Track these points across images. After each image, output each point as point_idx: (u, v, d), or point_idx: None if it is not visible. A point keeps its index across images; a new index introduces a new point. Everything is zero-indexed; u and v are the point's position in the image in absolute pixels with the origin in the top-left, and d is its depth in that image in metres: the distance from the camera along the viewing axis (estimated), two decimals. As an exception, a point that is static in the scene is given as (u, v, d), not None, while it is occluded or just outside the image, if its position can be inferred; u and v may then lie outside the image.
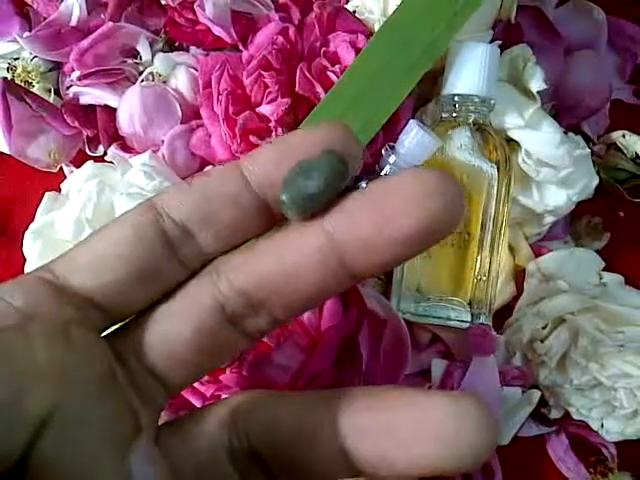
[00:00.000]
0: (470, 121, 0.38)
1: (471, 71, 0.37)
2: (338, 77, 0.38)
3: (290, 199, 0.18)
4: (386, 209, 0.16)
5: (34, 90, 0.42)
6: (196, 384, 0.35)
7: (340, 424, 0.18)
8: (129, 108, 0.40)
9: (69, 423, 0.14)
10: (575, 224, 0.44)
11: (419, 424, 0.17)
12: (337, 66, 0.38)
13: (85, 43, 0.41)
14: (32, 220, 0.39)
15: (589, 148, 0.40)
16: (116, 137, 0.42)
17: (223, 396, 0.36)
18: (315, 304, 0.19)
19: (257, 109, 0.39)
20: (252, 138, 0.38)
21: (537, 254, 0.42)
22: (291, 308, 0.19)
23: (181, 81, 0.41)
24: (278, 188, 0.18)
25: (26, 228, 0.39)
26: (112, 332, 0.19)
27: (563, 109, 0.42)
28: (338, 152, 0.18)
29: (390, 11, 0.38)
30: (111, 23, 0.41)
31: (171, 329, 0.19)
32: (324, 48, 0.39)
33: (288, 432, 0.18)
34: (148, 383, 0.19)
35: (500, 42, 0.39)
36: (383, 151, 0.34)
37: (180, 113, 0.41)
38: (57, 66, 0.43)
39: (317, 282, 0.18)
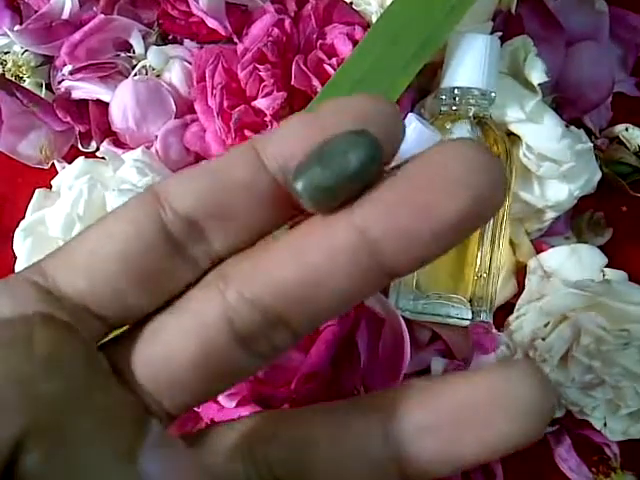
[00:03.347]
0: (470, 114, 0.37)
1: (471, 63, 0.37)
2: (335, 70, 0.37)
3: (303, 189, 0.15)
4: (427, 194, 0.14)
5: (25, 85, 0.41)
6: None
7: (391, 432, 0.16)
8: (122, 103, 0.40)
9: (50, 442, 0.12)
10: (577, 219, 0.43)
11: (491, 402, 0.15)
12: (334, 59, 0.37)
13: (77, 36, 0.40)
14: (23, 217, 0.38)
15: (591, 142, 0.40)
16: (109, 132, 0.41)
17: (219, 397, 0.35)
18: (343, 311, 0.16)
19: (252, 103, 0.38)
20: (247, 133, 0.37)
21: (538, 250, 0.41)
22: (314, 319, 0.16)
23: (175, 75, 0.40)
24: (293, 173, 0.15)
25: (17, 225, 0.38)
26: (113, 339, 0.17)
27: (565, 102, 0.41)
28: (371, 134, 0.14)
29: (388, 2, 0.37)
30: (103, 16, 0.40)
31: (173, 345, 0.16)
32: (320, 40, 0.38)
33: (321, 453, 0.17)
34: (147, 402, 0.16)
35: (500, 33, 0.38)
36: (381, 145, 0.33)
37: (174, 107, 0.40)
38: (48, 60, 0.42)
39: (347, 286, 0.15)
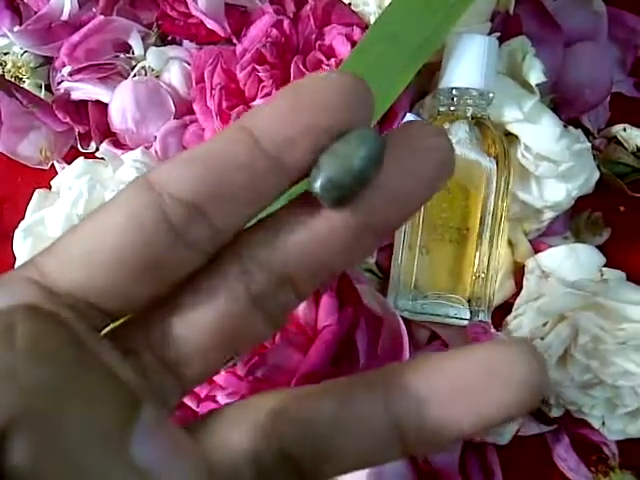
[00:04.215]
0: (468, 115, 0.37)
1: (469, 64, 0.37)
2: (333, 71, 0.37)
3: (322, 188, 0.16)
4: (406, 158, 0.17)
5: (25, 86, 0.42)
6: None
7: (390, 403, 0.17)
8: (121, 103, 0.40)
9: (37, 430, 0.12)
10: (575, 219, 0.43)
11: (487, 372, 0.16)
12: (332, 59, 0.38)
13: (76, 37, 0.40)
14: (23, 218, 0.39)
15: (589, 142, 0.40)
16: (108, 133, 0.41)
17: (218, 397, 0.35)
18: (341, 270, 0.18)
19: (251, 104, 0.38)
20: (246, 133, 0.38)
21: (537, 250, 0.41)
22: (318, 279, 0.18)
23: (174, 76, 0.41)
24: (294, 143, 0.16)
25: (17, 226, 0.38)
26: (123, 325, 0.18)
27: (563, 102, 0.41)
28: (375, 130, 0.17)
29: (386, 3, 0.37)
30: (102, 17, 0.40)
31: (194, 316, 0.17)
32: (319, 41, 0.38)
33: (329, 426, 0.17)
34: (162, 379, 0.17)
35: (499, 34, 0.38)
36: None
37: (173, 108, 0.40)
38: (48, 61, 0.42)
39: (345, 249, 0.17)
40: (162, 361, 0.17)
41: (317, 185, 0.16)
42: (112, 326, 0.18)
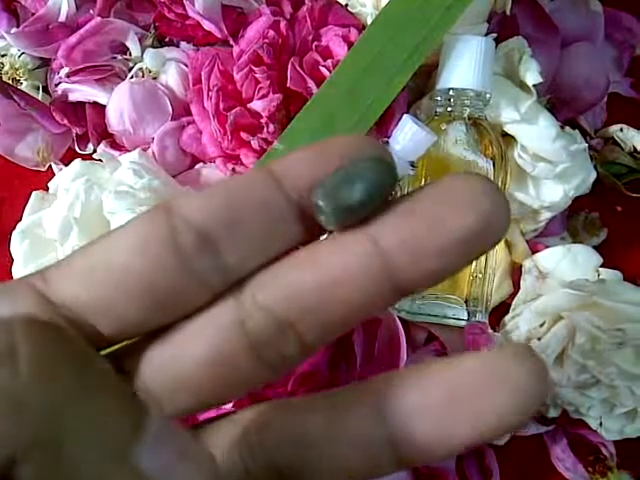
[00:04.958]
0: (465, 116, 0.37)
1: (466, 65, 0.37)
2: (330, 72, 0.37)
3: (328, 205, 0.15)
4: (436, 210, 0.15)
5: (22, 87, 0.41)
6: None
7: (385, 415, 0.16)
8: (118, 105, 0.40)
9: (44, 452, 0.12)
10: (572, 220, 0.43)
11: (486, 381, 0.16)
12: (329, 60, 0.38)
13: (73, 39, 0.40)
14: (20, 220, 0.38)
15: (586, 142, 0.40)
16: (106, 135, 0.41)
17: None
18: (351, 325, 0.16)
19: (248, 105, 0.38)
20: (243, 135, 0.38)
21: (534, 250, 0.41)
22: (325, 330, 0.16)
23: (171, 77, 0.41)
24: (314, 190, 0.16)
25: (14, 228, 0.38)
26: (120, 347, 0.17)
27: (559, 103, 0.41)
28: (388, 160, 0.16)
29: (383, 4, 0.37)
30: (100, 19, 0.40)
31: (183, 349, 0.16)
32: (316, 42, 0.38)
33: (318, 440, 0.17)
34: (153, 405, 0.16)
35: (495, 35, 0.38)
36: (376, 147, 0.33)
37: (170, 109, 0.40)
38: (45, 63, 0.42)
39: (358, 297, 0.16)
40: (147, 391, 0.17)
41: (319, 202, 0.16)
42: (107, 351, 0.17)
